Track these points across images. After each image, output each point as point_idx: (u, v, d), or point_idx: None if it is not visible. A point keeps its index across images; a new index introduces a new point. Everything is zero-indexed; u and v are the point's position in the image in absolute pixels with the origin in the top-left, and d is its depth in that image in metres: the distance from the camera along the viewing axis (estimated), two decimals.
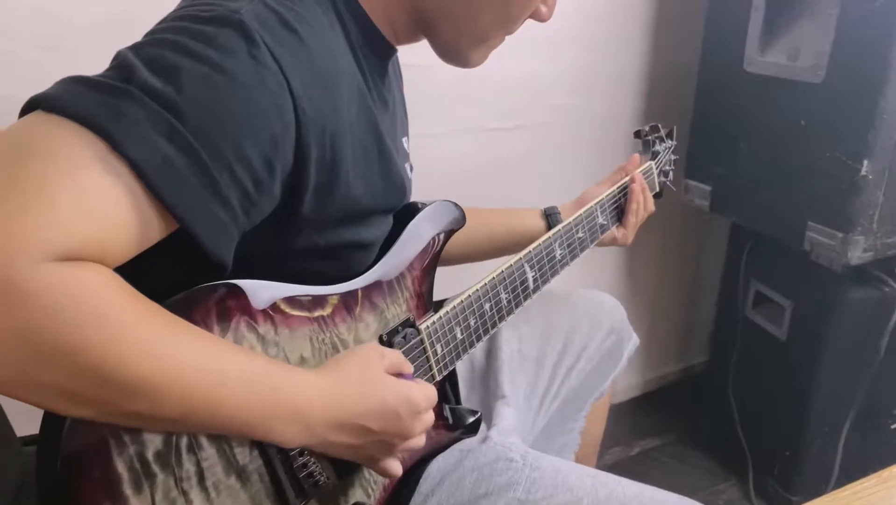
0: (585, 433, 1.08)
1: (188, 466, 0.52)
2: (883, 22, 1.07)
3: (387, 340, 0.68)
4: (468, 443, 0.81)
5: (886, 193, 1.16)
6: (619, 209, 1.03)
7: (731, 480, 1.60)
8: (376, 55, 0.68)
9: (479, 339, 0.79)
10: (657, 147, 1.13)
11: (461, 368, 0.94)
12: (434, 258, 0.77)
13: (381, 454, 0.62)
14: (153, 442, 0.50)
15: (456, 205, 0.80)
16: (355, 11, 0.64)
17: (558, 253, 0.89)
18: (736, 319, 1.57)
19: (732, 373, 1.60)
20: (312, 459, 0.61)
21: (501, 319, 0.81)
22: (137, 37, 0.52)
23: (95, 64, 0.52)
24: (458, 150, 1.37)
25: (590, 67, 1.48)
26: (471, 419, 0.79)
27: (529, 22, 0.72)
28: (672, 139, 1.15)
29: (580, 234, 0.94)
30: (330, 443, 0.57)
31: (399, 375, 0.63)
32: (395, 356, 0.64)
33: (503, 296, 0.80)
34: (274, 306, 0.58)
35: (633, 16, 1.50)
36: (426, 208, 0.75)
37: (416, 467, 0.76)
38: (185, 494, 0.52)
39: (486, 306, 0.78)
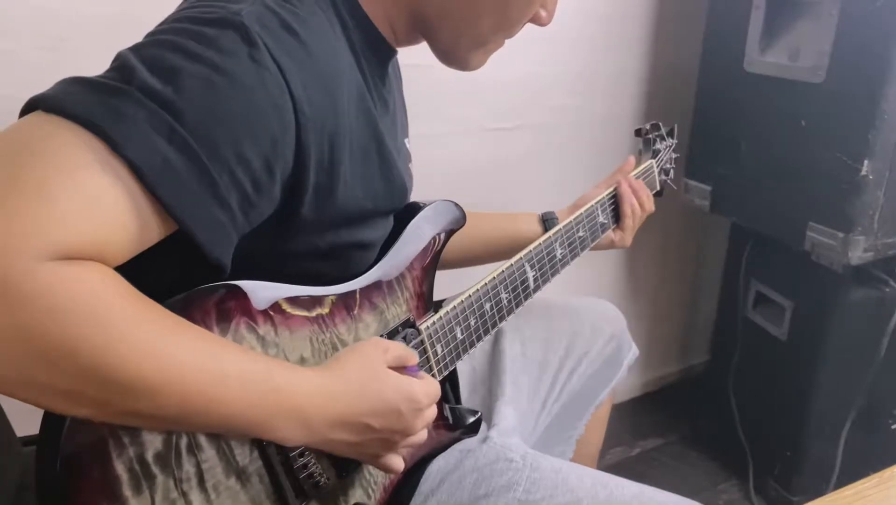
0: (585, 443, 1.08)
1: (188, 466, 0.52)
2: (883, 22, 1.07)
3: None
4: (468, 443, 0.81)
5: (887, 193, 1.16)
6: (618, 211, 1.03)
7: (731, 480, 1.60)
8: (377, 57, 0.68)
9: (479, 339, 0.78)
10: (658, 145, 1.13)
11: (463, 371, 0.94)
12: (434, 258, 0.77)
13: (382, 451, 0.62)
14: (153, 443, 0.50)
15: (456, 204, 0.80)
16: (356, 13, 0.64)
17: (559, 252, 0.89)
18: (736, 320, 1.57)
19: (733, 373, 1.60)
20: (312, 460, 0.61)
21: (502, 318, 0.81)
22: (138, 37, 0.52)
23: (96, 64, 0.52)
24: (458, 150, 1.37)
25: (590, 68, 1.48)
26: (471, 419, 0.79)
27: (529, 23, 0.72)
28: (673, 137, 1.15)
29: (581, 234, 0.94)
30: (331, 441, 0.57)
31: (404, 367, 0.63)
32: (398, 349, 0.63)
33: (503, 295, 0.80)
34: (274, 307, 0.58)
35: (633, 16, 1.50)
36: (426, 208, 0.75)
37: (417, 468, 0.76)
38: (184, 495, 0.52)
39: (487, 306, 0.78)
